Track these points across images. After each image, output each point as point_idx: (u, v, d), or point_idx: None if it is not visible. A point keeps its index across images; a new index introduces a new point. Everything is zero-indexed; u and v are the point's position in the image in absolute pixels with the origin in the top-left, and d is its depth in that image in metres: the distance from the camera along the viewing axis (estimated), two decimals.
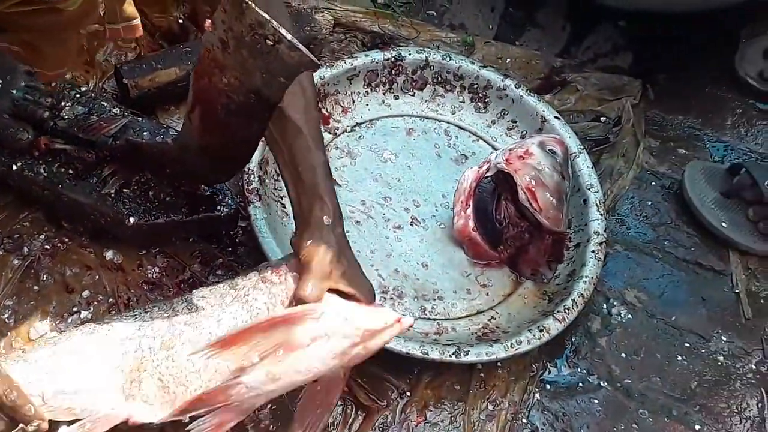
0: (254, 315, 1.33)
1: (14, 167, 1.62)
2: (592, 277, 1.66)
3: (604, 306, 1.77)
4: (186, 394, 1.29)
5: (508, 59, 2.20)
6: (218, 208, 1.64)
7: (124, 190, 1.62)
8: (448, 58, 1.95)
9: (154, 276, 1.67)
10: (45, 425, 1.22)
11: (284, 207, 1.74)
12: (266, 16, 1.18)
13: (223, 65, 1.27)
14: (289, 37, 1.18)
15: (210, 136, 1.40)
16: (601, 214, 1.76)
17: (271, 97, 1.31)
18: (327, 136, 1.87)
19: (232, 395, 1.29)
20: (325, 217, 1.39)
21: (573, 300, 1.62)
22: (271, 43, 1.19)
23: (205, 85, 1.33)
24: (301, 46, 1.18)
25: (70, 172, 1.63)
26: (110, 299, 1.63)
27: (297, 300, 1.32)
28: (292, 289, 1.34)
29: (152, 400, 1.30)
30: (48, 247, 1.69)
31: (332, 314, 1.31)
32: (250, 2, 1.17)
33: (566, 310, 1.61)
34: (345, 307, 1.33)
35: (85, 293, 1.63)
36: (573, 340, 1.71)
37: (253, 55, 1.22)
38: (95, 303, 1.62)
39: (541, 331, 1.57)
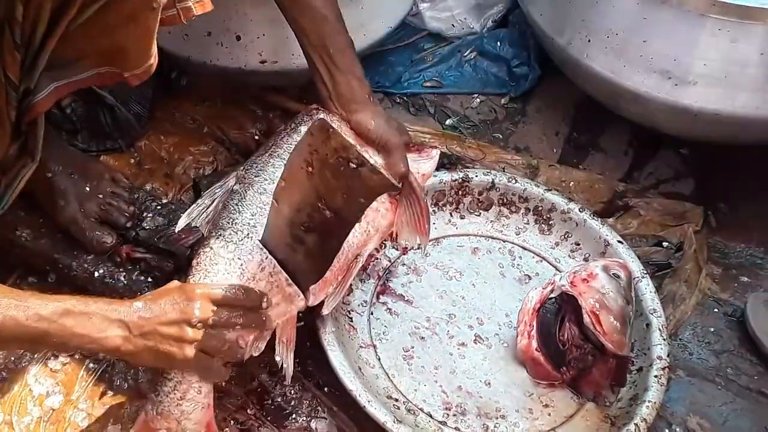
0: None
1: (96, 274, 1.68)
2: (655, 402, 1.65)
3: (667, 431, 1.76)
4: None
5: (572, 182, 2.23)
6: None
7: None
8: (513, 181, 2.00)
9: (222, 384, 1.69)
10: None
11: (351, 321, 1.78)
12: (350, 140, 1.24)
13: (306, 185, 1.33)
14: (371, 161, 1.24)
15: (287, 252, 1.45)
16: (664, 339, 1.75)
17: (350, 217, 1.37)
18: (394, 253, 1.93)
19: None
20: (367, 95, 1.58)
21: (636, 424, 1.60)
22: (354, 166, 1.25)
23: (286, 204, 1.39)
24: (382, 170, 1.25)
25: (149, 280, 1.69)
26: None
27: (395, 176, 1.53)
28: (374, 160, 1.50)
29: None
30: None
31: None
32: (335, 127, 1.24)
33: None
34: (414, 165, 1.61)
35: None
36: None
37: (336, 177, 1.29)
38: None
39: None
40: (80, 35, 1.36)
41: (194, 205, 1.52)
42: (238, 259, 1.44)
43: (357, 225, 1.49)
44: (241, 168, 1.54)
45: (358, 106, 1.55)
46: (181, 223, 1.51)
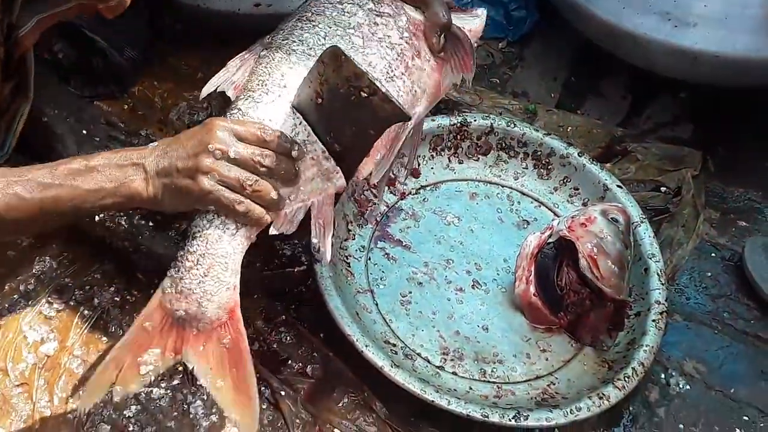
0: (399, 52, 1.46)
1: (96, 218, 1.67)
2: (652, 346, 1.66)
3: (663, 376, 1.76)
4: None
5: (570, 128, 2.22)
6: (291, 265, 1.67)
7: None
8: (512, 125, 1.99)
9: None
10: None
11: (349, 266, 1.78)
12: (362, 68, 1.22)
13: (314, 119, 1.31)
14: (383, 89, 1.22)
15: None
16: (662, 284, 1.76)
17: (359, 151, 1.35)
18: (392, 198, 1.92)
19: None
20: None
21: (633, 368, 1.61)
22: (366, 95, 1.23)
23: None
24: (394, 98, 1.22)
25: (150, 224, 1.69)
26: None
27: (438, 27, 1.47)
28: (412, 16, 1.48)
29: None
30: (117, 299, 1.72)
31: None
32: (348, 55, 1.22)
33: (626, 379, 1.60)
34: (459, 22, 1.55)
35: None
36: (631, 409, 1.70)
37: (347, 107, 1.26)
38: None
39: (600, 398, 1.57)
40: None
41: (219, 72, 1.44)
42: (269, 120, 1.36)
43: (401, 83, 1.45)
44: (268, 36, 1.49)
45: None
46: (206, 90, 1.42)
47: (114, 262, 1.76)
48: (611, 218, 1.73)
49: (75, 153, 1.69)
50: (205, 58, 2.22)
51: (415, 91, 1.49)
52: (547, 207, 1.96)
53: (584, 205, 1.91)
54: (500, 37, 2.49)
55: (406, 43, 1.48)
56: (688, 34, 2.02)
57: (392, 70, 1.45)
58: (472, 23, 1.59)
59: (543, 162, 1.98)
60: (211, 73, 2.12)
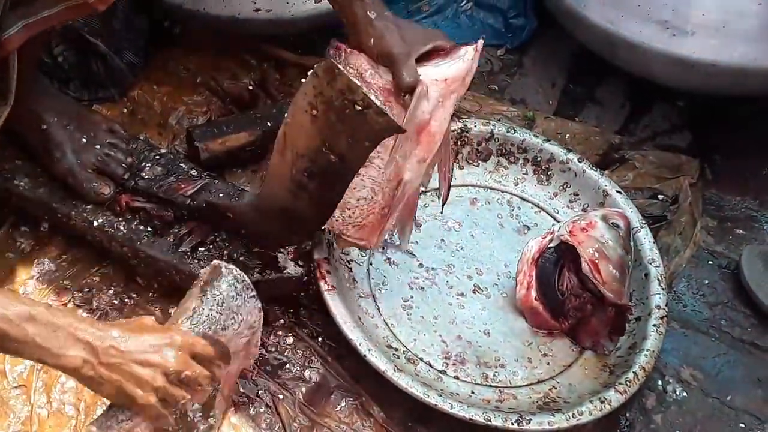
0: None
1: (95, 223, 1.67)
2: (653, 351, 1.66)
3: (660, 383, 1.77)
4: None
5: (568, 135, 2.23)
6: (288, 270, 1.67)
7: (199, 248, 1.66)
8: (512, 131, 1.99)
9: None
10: None
11: (351, 271, 1.78)
12: (357, 82, 1.22)
13: (309, 129, 1.31)
14: (377, 102, 1.22)
15: (289, 199, 1.44)
16: (663, 289, 1.77)
17: (354, 161, 1.35)
18: None
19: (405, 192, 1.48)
20: (368, 11, 1.44)
21: (634, 373, 1.62)
22: (360, 108, 1.23)
23: (287, 149, 1.38)
24: (388, 112, 1.23)
25: (149, 229, 1.68)
26: None
27: (402, 89, 1.41)
28: (383, 83, 1.42)
29: None
30: (116, 301, 1.73)
31: (432, 83, 1.42)
32: (342, 69, 1.22)
33: (627, 383, 1.61)
34: (435, 71, 1.43)
35: None
36: (628, 415, 1.71)
37: (341, 119, 1.27)
38: None
39: (602, 402, 1.57)
40: None
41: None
42: None
43: (378, 159, 1.46)
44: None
45: (359, 27, 1.44)
46: None
47: (113, 265, 1.76)
48: (612, 223, 1.74)
49: (73, 162, 1.69)
50: (204, 62, 2.22)
51: (396, 159, 1.48)
52: (547, 212, 1.97)
53: (584, 210, 1.92)
54: (499, 45, 2.49)
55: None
56: (686, 42, 2.03)
57: None
58: (448, 69, 1.46)
59: (543, 168, 1.99)
60: (210, 78, 2.14)
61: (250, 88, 2.20)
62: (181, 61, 2.22)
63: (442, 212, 1.80)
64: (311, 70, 1.26)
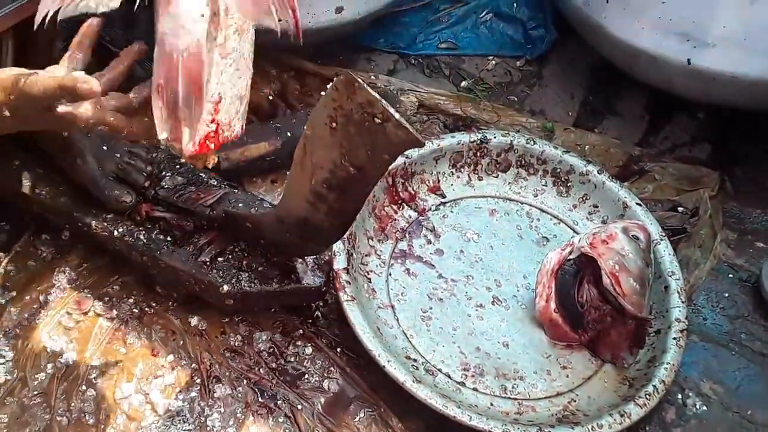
0: None
1: (116, 233, 1.68)
2: (673, 364, 1.66)
3: (679, 396, 1.75)
4: None
5: (587, 146, 2.22)
6: (307, 280, 1.67)
7: (219, 258, 1.66)
8: (532, 142, 1.99)
9: (236, 344, 1.71)
10: None
11: (370, 282, 1.78)
12: (376, 95, 1.22)
13: (329, 141, 1.31)
14: (397, 116, 1.22)
15: (308, 210, 1.44)
16: (683, 302, 1.76)
17: (374, 174, 1.35)
18: (412, 214, 1.92)
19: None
20: None
21: (654, 386, 1.61)
22: (380, 122, 1.23)
23: (307, 160, 1.38)
24: (407, 125, 1.23)
25: (168, 239, 1.69)
26: (193, 364, 1.67)
27: None
28: None
29: None
30: (136, 310, 1.74)
31: None
32: (361, 82, 1.22)
33: (647, 396, 1.60)
34: None
35: (170, 357, 1.68)
36: (647, 429, 1.69)
37: (361, 132, 1.26)
38: (178, 367, 1.66)
39: (622, 415, 1.57)
40: None
41: None
42: None
43: None
44: None
45: None
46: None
47: (133, 274, 1.77)
48: (632, 236, 1.73)
49: (95, 169, 1.69)
50: None
51: None
52: (566, 224, 1.96)
53: (603, 222, 1.92)
54: (518, 56, 2.49)
55: None
56: (707, 55, 2.02)
57: None
58: None
59: (562, 179, 1.98)
60: None
61: (270, 97, 2.21)
62: None
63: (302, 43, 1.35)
64: (330, 84, 1.26)
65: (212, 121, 1.23)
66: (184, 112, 1.20)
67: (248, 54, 1.29)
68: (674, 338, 1.70)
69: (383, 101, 1.23)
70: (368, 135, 1.26)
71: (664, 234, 1.88)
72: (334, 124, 1.29)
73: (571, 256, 1.75)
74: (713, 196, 2.13)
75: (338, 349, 1.73)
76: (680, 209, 2.11)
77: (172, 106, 1.20)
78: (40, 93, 1.17)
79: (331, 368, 1.70)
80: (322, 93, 1.33)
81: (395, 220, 1.90)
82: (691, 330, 1.82)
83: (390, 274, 1.81)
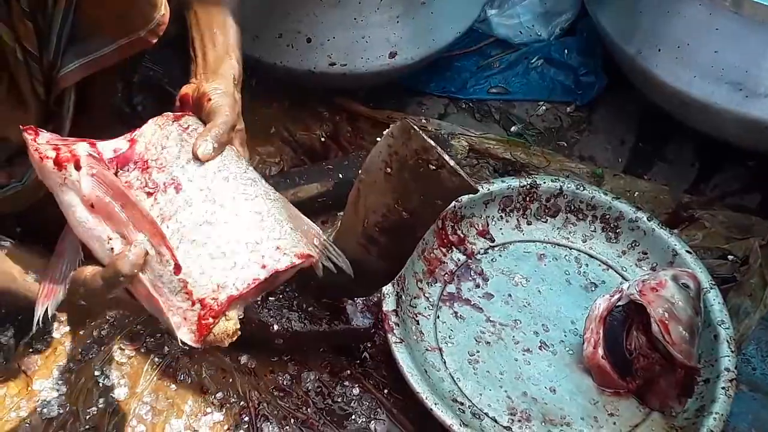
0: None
1: None
2: (722, 414, 1.64)
3: None
4: None
5: (636, 192, 2.22)
6: (356, 321, 1.68)
7: (270, 298, 1.68)
8: (581, 188, 2.00)
9: (284, 383, 1.72)
10: None
11: (418, 324, 1.79)
12: (431, 142, 1.24)
13: (383, 186, 1.33)
14: (451, 163, 1.24)
15: (360, 252, 1.46)
16: (732, 351, 1.74)
17: (425, 219, 1.37)
18: (461, 257, 1.93)
19: None
20: (233, 74, 1.41)
21: None
22: (434, 168, 1.25)
23: (361, 203, 1.40)
24: (461, 172, 1.25)
25: None
26: (242, 402, 1.69)
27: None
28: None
29: None
30: (187, 348, 1.75)
31: None
32: (417, 129, 1.24)
33: None
34: None
35: (219, 395, 1.69)
36: None
37: (415, 178, 1.28)
38: (227, 405, 1.68)
39: None
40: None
41: None
42: None
43: None
44: None
45: (219, 79, 1.39)
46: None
47: None
48: (682, 284, 1.73)
49: None
50: (278, 114, 2.27)
51: None
52: (615, 270, 1.96)
53: (653, 269, 1.91)
54: (568, 101, 2.51)
55: None
56: (759, 104, 2.02)
57: None
58: None
59: (611, 225, 1.98)
60: (283, 129, 2.17)
61: (323, 139, 2.25)
62: (255, 112, 2.26)
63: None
64: (387, 130, 1.28)
65: (193, 304, 1.16)
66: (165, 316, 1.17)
67: None
68: (723, 388, 1.68)
69: (438, 148, 1.25)
70: (422, 181, 1.28)
71: (713, 282, 1.86)
72: (389, 169, 1.31)
73: (619, 303, 1.75)
74: (763, 245, 2.10)
75: (385, 391, 1.74)
76: (730, 257, 2.09)
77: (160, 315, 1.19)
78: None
79: (378, 409, 1.71)
80: (376, 137, 1.36)
81: (444, 263, 1.91)
82: (740, 380, 1.79)
83: (438, 317, 1.82)
